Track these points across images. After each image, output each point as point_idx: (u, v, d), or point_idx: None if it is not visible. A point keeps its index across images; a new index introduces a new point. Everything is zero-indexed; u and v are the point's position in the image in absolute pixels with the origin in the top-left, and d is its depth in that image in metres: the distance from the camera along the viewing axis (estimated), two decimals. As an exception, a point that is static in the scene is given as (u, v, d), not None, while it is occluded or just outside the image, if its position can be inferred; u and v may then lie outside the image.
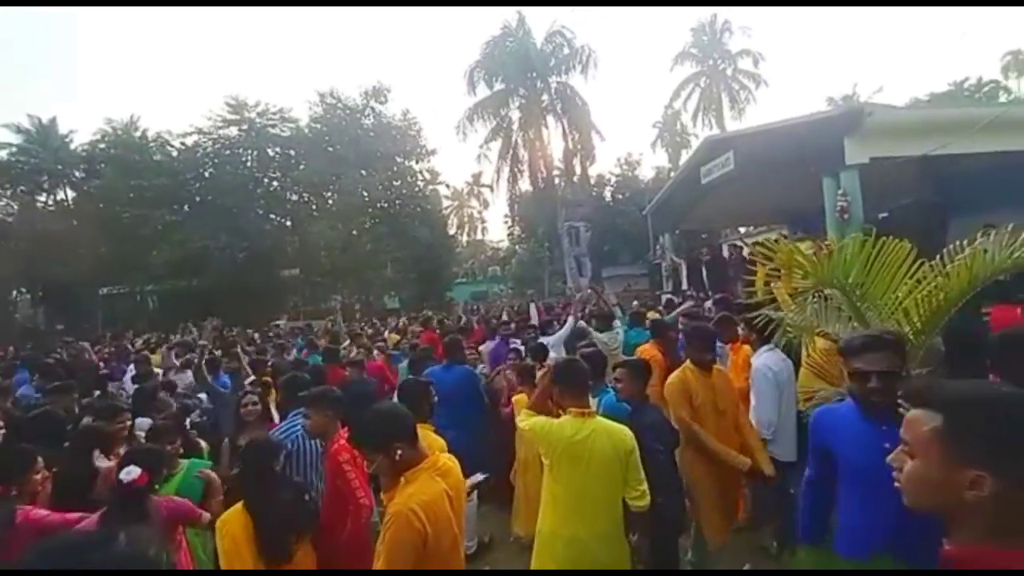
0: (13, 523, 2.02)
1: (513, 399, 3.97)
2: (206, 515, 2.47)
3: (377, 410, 2.00)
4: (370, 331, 10.32)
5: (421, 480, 1.82)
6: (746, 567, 3.38)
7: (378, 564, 1.71)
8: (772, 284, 3.41)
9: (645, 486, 2.33)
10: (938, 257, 2.50)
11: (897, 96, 45.28)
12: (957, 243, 2.56)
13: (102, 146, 25.04)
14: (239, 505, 2.23)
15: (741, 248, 11.33)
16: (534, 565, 2.36)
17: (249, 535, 2.12)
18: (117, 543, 0.73)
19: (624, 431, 2.36)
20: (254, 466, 2.31)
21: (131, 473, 2.09)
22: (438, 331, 8.12)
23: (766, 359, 3.32)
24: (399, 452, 1.82)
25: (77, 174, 25.88)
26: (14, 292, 24.19)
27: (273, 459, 2.35)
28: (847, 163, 7.79)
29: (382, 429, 1.87)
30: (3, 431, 3.45)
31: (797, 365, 3.41)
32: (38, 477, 2.21)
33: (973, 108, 12.12)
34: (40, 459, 2.26)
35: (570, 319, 5.71)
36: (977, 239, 2.47)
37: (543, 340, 5.23)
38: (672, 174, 21.93)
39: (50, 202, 25.97)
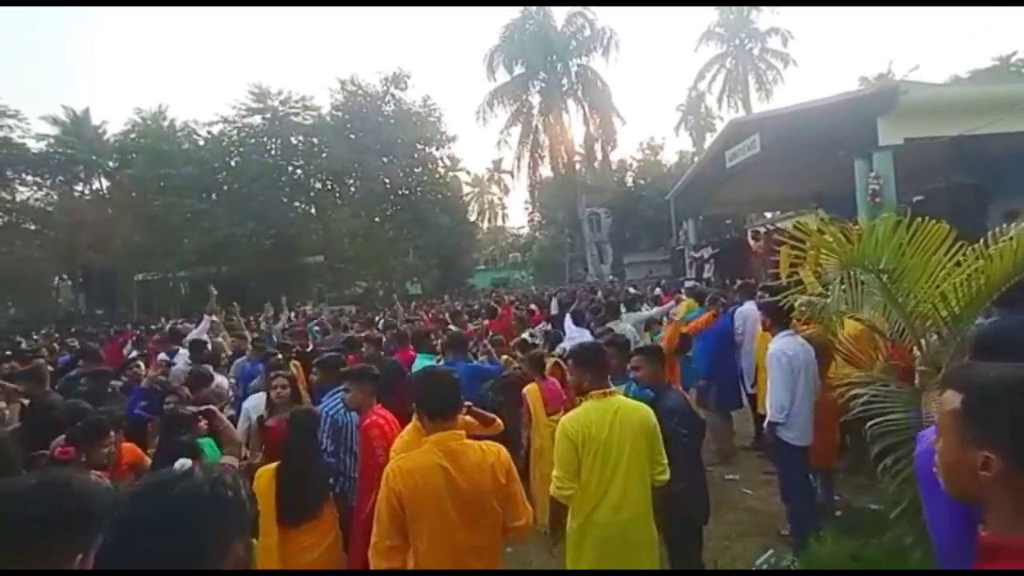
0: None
1: (524, 390, 3.81)
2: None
3: (442, 375, 2.08)
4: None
5: (419, 449, 1.92)
6: (767, 553, 3.39)
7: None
8: (799, 268, 3.36)
9: (666, 462, 2.38)
10: (980, 240, 2.40)
11: (935, 74, 43.19)
12: (998, 228, 2.46)
13: (133, 136, 25.76)
14: (274, 465, 2.43)
15: (769, 232, 11.08)
16: (569, 556, 2.38)
17: (272, 494, 2.31)
18: None
19: (646, 408, 2.40)
20: (300, 433, 2.51)
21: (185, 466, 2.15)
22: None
23: (781, 344, 3.34)
24: (423, 421, 1.98)
25: (110, 164, 26.71)
26: (56, 279, 25.25)
27: (316, 428, 2.60)
28: (880, 144, 7.53)
29: (426, 391, 1.99)
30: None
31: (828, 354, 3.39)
32: (105, 450, 2.35)
33: (1019, 84, 11.49)
34: (112, 433, 2.41)
35: (657, 308, 5.82)
36: (1007, 227, 2.36)
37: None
38: (696, 158, 21.45)
39: (86, 191, 26.94)
